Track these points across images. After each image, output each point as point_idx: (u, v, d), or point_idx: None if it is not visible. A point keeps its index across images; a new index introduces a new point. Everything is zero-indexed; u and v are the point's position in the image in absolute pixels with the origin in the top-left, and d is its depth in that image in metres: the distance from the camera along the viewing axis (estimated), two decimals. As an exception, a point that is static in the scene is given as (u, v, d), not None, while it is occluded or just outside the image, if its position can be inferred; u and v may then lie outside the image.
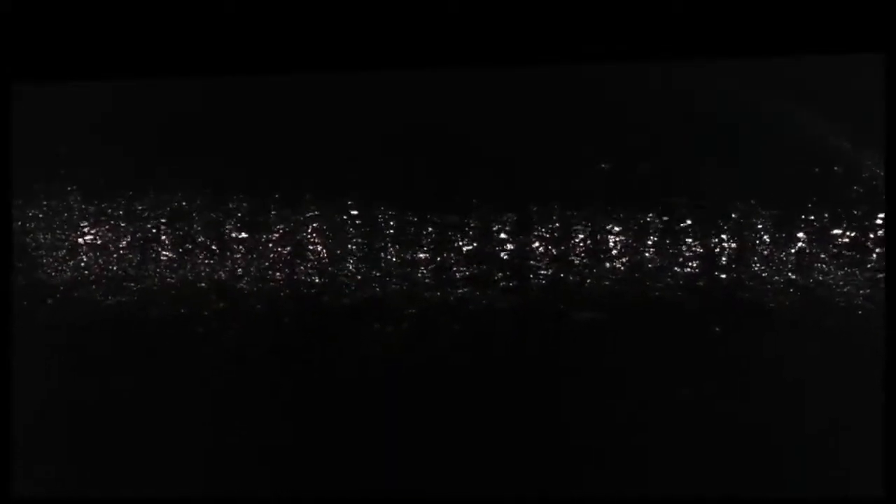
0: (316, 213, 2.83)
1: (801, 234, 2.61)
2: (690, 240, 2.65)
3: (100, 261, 2.90)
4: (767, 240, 2.62)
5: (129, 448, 2.80)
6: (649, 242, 2.67)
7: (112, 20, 2.73)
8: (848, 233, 2.58)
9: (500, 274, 2.73)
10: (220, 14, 2.70)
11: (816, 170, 2.61)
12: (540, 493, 2.67)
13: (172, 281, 2.87)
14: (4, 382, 2.70)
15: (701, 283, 2.64)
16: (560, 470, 2.68)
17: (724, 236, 2.64)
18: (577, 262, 2.70)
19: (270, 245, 2.85)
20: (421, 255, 2.78)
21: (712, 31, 2.58)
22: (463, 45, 2.66)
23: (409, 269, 2.77)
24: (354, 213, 2.81)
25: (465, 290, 2.75)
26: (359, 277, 2.79)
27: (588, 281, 2.69)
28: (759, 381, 2.60)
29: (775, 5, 2.55)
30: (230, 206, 2.87)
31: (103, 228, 2.91)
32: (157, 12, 2.72)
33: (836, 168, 2.61)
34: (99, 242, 2.91)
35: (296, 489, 2.77)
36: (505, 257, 2.73)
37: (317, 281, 2.82)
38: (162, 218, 2.89)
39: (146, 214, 2.90)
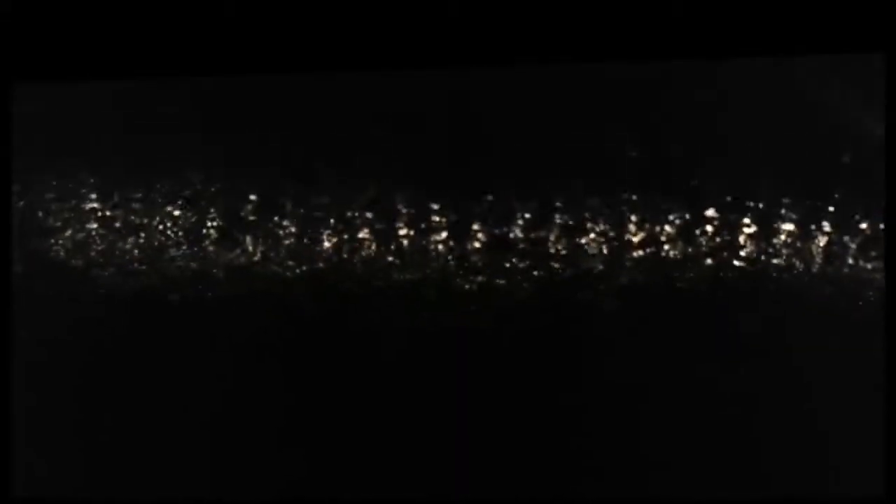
0: (329, 196, 2.78)
1: (826, 225, 2.55)
2: (714, 230, 2.60)
3: (113, 244, 2.87)
4: (794, 230, 2.57)
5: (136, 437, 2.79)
6: (672, 232, 2.62)
7: (112, 20, 2.71)
8: (878, 225, 2.52)
9: (521, 262, 2.69)
10: (220, 13, 2.68)
11: (846, 159, 2.56)
12: (561, 476, 2.65)
13: (186, 265, 2.84)
14: (4, 380, 2.67)
15: (726, 275, 2.59)
16: (578, 458, 2.65)
17: (747, 227, 2.59)
18: (598, 251, 2.65)
19: (284, 230, 2.81)
20: (439, 241, 2.73)
21: (711, 31, 2.55)
22: (464, 45, 2.64)
23: (426, 255, 2.73)
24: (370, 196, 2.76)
25: (484, 277, 2.71)
26: (373, 264, 2.75)
27: (610, 271, 2.64)
28: (781, 374, 2.55)
29: (774, 5, 2.51)
30: (244, 189, 2.83)
31: (115, 212, 2.88)
32: (157, 12, 2.70)
33: (866, 156, 2.55)
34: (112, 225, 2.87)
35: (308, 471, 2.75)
36: (525, 246, 2.69)
37: (331, 265, 2.77)
38: (178, 201, 2.86)
39: (160, 200, 2.86)
